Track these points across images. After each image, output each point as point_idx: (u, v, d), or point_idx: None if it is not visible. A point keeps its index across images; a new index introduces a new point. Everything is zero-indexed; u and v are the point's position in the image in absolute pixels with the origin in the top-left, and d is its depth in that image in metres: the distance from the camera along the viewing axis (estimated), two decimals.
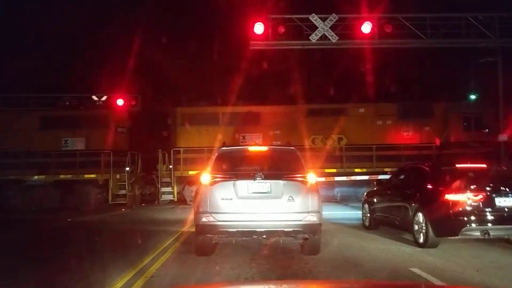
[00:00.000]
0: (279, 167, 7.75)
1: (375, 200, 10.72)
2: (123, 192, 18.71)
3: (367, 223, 10.96)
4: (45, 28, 24.94)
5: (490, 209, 7.82)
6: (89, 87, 21.69)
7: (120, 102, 20.34)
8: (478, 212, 7.80)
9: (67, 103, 20.84)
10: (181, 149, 18.65)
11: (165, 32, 24.31)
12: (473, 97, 21.93)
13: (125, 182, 18.64)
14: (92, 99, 20.88)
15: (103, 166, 18.10)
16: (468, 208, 7.82)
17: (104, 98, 20.82)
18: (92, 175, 18.31)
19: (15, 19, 25.93)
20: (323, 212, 7.39)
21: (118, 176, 18.80)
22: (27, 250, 8.88)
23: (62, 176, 18.30)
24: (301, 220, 7.07)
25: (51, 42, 26.03)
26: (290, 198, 7.11)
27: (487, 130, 18.71)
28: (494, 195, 7.88)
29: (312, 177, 7.38)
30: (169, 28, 26.70)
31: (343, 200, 18.96)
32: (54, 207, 17.59)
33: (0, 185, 17.97)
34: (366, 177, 17.95)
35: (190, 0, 25.98)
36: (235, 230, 7.13)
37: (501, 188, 8.03)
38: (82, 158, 18.23)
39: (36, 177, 18.36)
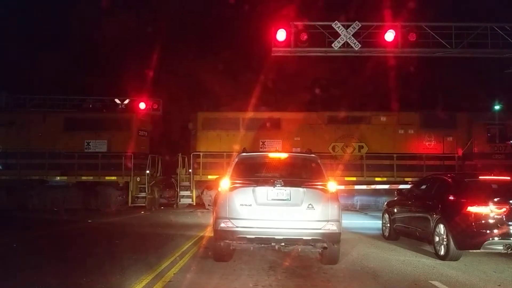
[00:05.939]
0: (299, 175, 7.73)
1: (395, 210, 10.59)
2: (143, 194, 18.87)
3: (387, 233, 10.84)
4: (71, 31, 25.49)
5: None
6: (112, 90, 22.04)
7: (142, 105, 20.66)
8: (501, 225, 7.64)
9: (91, 105, 21.19)
10: (201, 153, 18.72)
11: (187, 38, 24.60)
12: (497, 107, 21.53)
13: (145, 185, 18.80)
14: (115, 102, 21.21)
15: (124, 169, 18.28)
16: (491, 221, 7.68)
17: (126, 101, 21.18)
18: (113, 177, 18.50)
19: (41, 22, 26.55)
20: (343, 221, 7.32)
21: (138, 179, 18.96)
22: (47, 250, 8.99)
23: (84, 178, 18.52)
24: (320, 229, 7.01)
25: (76, 45, 26.54)
26: (310, 206, 7.07)
27: (511, 141, 18.36)
28: None
29: (332, 186, 7.33)
30: (191, 34, 27.01)
31: (363, 209, 18.81)
32: (75, 208, 17.89)
33: (23, 185, 18.33)
34: (386, 186, 17.77)
35: (213, 7, 26.15)
36: (253, 236, 7.11)
37: None
38: (104, 160, 18.42)
39: (58, 177, 18.63)
